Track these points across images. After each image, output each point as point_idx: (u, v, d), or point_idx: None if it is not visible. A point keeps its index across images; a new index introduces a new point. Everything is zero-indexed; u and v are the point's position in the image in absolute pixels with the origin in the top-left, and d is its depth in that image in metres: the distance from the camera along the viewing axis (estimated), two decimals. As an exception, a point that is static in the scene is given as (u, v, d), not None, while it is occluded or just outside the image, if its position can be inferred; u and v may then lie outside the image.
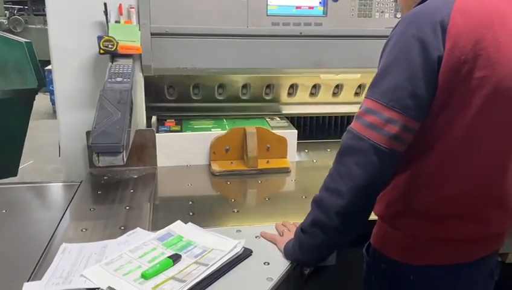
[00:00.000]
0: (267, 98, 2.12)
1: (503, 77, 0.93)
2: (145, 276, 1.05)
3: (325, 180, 1.04)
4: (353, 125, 0.99)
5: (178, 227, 1.28)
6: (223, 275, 1.09)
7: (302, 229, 1.11)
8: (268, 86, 2.09)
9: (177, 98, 2.04)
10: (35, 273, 1.09)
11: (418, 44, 0.91)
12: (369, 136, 0.94)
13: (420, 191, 1.04)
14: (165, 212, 1.42)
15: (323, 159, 1.93)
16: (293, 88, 2.12)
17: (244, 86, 2.07)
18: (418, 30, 0.92)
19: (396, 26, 0.98)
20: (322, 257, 1.17)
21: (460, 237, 1.06)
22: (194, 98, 2.05)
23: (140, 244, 1.19)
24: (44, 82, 2.35)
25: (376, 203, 1.06)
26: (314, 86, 2.12)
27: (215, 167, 1.74)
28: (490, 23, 0.93)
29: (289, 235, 1.19)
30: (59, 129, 1.77)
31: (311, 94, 2.14)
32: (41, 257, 1.16)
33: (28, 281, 1.06)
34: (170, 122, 1.93)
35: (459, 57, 0.90)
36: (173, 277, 1.05)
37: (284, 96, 2.13)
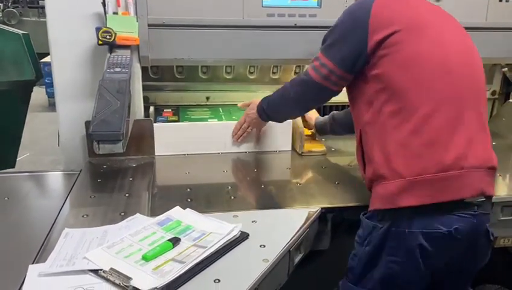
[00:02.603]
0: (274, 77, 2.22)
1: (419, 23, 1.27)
2: (146, 258, 1.09)
3: (275, 99, 1.61)
4: (310, 72, 1.41)
5: (177, 212, 1.32)
6: (221, 257, 1.14)
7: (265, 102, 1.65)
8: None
9: (160, 77, 2.09)
10: (39, 257, 1.13)
11: (352, 15, 1.32)
12: (311, 74, 1.40)
13: (391, 133, 1.23)
14: (163, 199, 1.46)
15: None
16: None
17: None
18: (356, 6, 1.33)
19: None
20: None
21: (438, 161, 1.17)
22: (178, 76, 2.08)
23: (141, 228, 1.23)
24: (42, 74, 2.38)
25: (366, 170, 1.32)
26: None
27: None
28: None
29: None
30: (58, 119, 1.79)
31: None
32: (44, 241, 1.20)
33: (32, 263, 1.09)
34: (167, 113, 1.96)
35: (379, 27, 1.25)
36: (173, 258, 1.09)
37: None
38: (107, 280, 1.03)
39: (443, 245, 1.19)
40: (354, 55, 1.29)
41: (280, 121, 1.73)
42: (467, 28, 1.36)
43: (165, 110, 1.98)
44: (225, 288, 1.04)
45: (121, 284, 1.01)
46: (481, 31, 1.91)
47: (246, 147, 1.88)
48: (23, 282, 1.02)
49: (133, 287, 1.00)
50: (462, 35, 1.33)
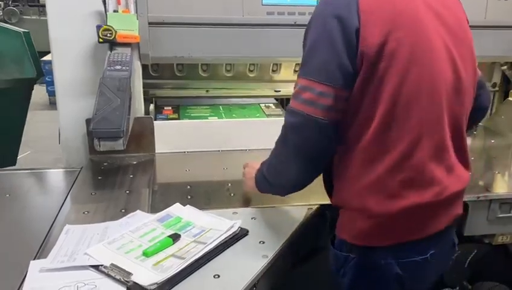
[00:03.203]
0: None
1: (415, 44, 1.03)
2: (146, 254, 1.10)
3: (272, 161, 1.19)
4: (291, 104, 1.07)
5: (177, 209, 1.33)
6: (221, 253, 1.15)
7: (263, 174, 1.24)
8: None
9: (161, 75, 2.09)
10: (41, 253, 1.14)
11: (336, 20, 1.01)
12: (307, 111, 1.03)
13: (366, 167, 1.07)
14: (163, 196, 1.47)
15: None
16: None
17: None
18: (334, 8, 1.03)
19: (316, 8, 1.09)
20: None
21: (416, 202, 1.07)
22: (178, 74, 2.09)
23: (141, 225, 1.24)
24: (42, 72, 2.39)
25: (334, 194, 1.17)
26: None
27: None
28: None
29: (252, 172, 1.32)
30: (59, 117, 1.80)
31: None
32: (45, 237, 1.21)
33: (33, 259, 1.11)
34: (168, 111, 1.97)
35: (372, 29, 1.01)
36: (173, 254, 1.10)
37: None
38: (108, 276, 1.04)
39: (420, 271, 1.14)
40: (350, 68, 1.02)
41: (284, 194, 1.28)
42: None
43: (165, 108, 1.99)
44: (225, 283, 1.05)
45: (122, 279, 1.02)
46: (480, 29, 1.92)
47: (246, 145, 1.89)
48: (24, 277, 1.03)
49: (134, 282, 1.01)
50: (451, 35, 1.10)
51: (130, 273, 1.03)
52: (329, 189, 1.21)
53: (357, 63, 1.01)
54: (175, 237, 1.16)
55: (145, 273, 1.03)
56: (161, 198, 1.45)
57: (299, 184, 1.18)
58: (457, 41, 1.11)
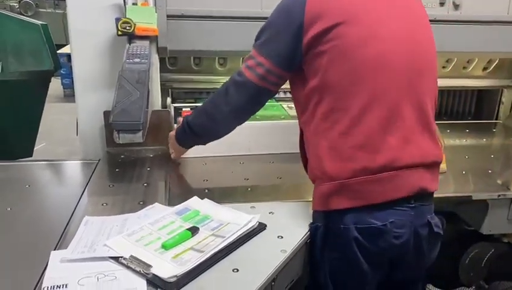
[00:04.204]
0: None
1: (366, 29, 1.17)
2: (165, 246, 1.10)
3: (205, 108, 1.41)
4: (241, 66, 1.30)
5: (195, 202, 1.33)
6: (239, 247, 1.15)
7: (189, 126, 1.45)
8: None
9: (178, 68, 2.07)
10: (61, 243, 1.15)
11: (286, 10, 1.23)
12: (246, 74, 1.27)
13: (325, 135, 1.20)
14: (181, 189, 1.48)
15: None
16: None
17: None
18: (290, 1, 1.23)
19: None
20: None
21: (367, 166, 1.16)
22: (195, 68, 2.08)
23: (160, 217, 1.24)
24: (59, 64, 2.41)
25: (308, 169, 1.31)
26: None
27: None
28: None
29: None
30: (77, 109, 1.81)
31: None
32: (65, 228, 1.22)
33: (54, 249, 1.11)
34: (186, 112, 1.92)
35: (314, 21, 1.17)
36: (192, 247, 1.11)
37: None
38: (128, 267, 1.04)
39: (380, 239, 1.18)
40: (290, 52, 1.21)
41: (204, 143, 1.51)
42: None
43: (183, 110, 1.95)
44: (244, 277, 1.05)
45: (141, 271, 1.02)
46: (503, 24, 1.89)
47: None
48: (45, 268, 1.04)
49: (153, 274, 1.01)
50: (408, 20, 1.23)
51: (149, 266, 1.03)
52: (305, 164, 1.35)
53: (301, 52, 1.20)
54: (194, 230, 1.17)
55: (165, 265, 1.04)
56: (178, 191, 1.45)
57: (223, 133, 1.44)
58: (415, 25, 1.25)
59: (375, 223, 1.16)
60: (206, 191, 1.45)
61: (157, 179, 1.53)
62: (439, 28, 1.90)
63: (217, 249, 1.10)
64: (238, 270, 1.06)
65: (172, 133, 1.57)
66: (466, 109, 2.43)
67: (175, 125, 1.70)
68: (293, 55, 1.21)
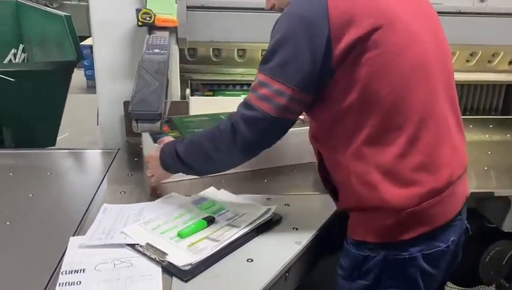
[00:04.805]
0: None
1: (395, 33, 1.00)
2: (181, 235, 1.11)
3: (203, 145, 1.14)
4: (248, 96, 1.07)
5: (211, 193, 1.34)
6: (254, 237, 1.15)
7: (179, 156, 1.19)
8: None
9: (197, 60, 2.07)
10: (79, 230, 1.17)
11: (304, 23, 1.00)
12: (261, 107, 1.04)
13: (374, 160, 1.03)
14: (198, 179, 1.48)
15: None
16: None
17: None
18: (302, 9, 1.02)
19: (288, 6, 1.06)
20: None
21: (433, 187, 1.03)
22: (214, 59, 2.07)
23: (176, 207, 1.25)
24: (82, 55, 2.45)
25: (341, 197, 1.13)
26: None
27: None
28: None
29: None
30: (98, 99, 1.84)
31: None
32: (84, 215, 1.24)
33: (73, 235, 1.14)
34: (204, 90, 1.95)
35: (344, 28, 0.98)
36: (207, 236, 1.11)
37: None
38: (144, 255, 1.06)
39: (442, 261, 1.10)
40: (318, 72, 1.00)
41: (200, 175, 1.31)
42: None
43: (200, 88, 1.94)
44: (257, 268, 1.05)
45: (157, 259, 1.04)
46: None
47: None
48: (64, 253, 1.07)
49: (169, 262, 1.02)
50: (428, 18, 1.11)
51: (165, 254, 1.05)
52: (334, 192, 1.16)
53: (331, 67, 1.00)
54: (209, 220, 1.17)
55: (180, 254, 1.05)
56: (195, 181, 1.46)
57: (224, 170, 1.28)
58: (433, 21, 1.13)
59: (440, 245, 1.07)
60: (223, 181, 1.45)
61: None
62: (464, 20, 1.86)
63: (231, 239, 1.11)
64: (252, 260, 1.07)
65: (154, 154, 1.28)
66: (493, 104, 2.36)
67: (155, 145, 1.40)
68: (322, 75, 1.01)
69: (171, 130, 1.58)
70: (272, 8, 1.22)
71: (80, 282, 0.97)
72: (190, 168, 1.21)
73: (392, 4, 1.03)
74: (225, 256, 1.07)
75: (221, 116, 1.72)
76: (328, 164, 1.14)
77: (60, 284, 0.96)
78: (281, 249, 1.11)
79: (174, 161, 1.20)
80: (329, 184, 1.18)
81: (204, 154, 1.14)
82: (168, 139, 1.34)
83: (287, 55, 1.01)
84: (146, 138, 1.54)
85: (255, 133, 1.06)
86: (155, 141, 1.42)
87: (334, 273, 1.18)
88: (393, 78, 1.00)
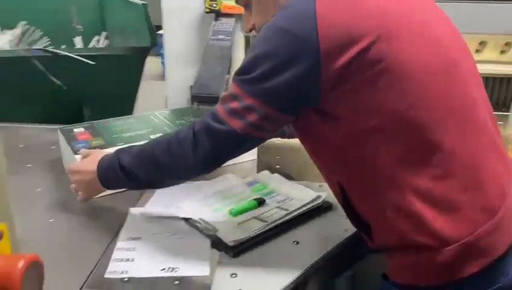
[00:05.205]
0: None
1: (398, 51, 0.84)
2: (232, 213, 1.16)
3: (155, 154, 1.01)
4: (217, 107, 0.95)
5: (265, 176, 1.37)
6: (303, 222, 1.16)
7: (123, 168, 1.04)
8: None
9: None
10: (139, 201, 1.26)
11: (287, 37, 0.86)
12: (229, 122, 0.91)
13: (409, 186, 0.86)
14: (253, 163, 1.52)
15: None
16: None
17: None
18: (287, 23, 0.87)
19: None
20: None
21: (490, 209, 0.87)
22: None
23: (230, 187, 1.30)
24: (156, 41, 2.58)
25: (375, 235, 0.94)
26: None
27: None
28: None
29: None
30: (166, 84, 1.94)
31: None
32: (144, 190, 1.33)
33: (133, 207, 1.22)
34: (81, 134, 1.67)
35: (337, 43, 0.83)
36: (257, 216, 1.15)
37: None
38: (196, 228, 1.12)
39: None
40: (303, 91, 0.87)
41: (144, 188, 1.23)
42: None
43: (75, 131, 1.45)
44: (303, 250, 1.07)
45: (208, 233, 1.09)
46: None
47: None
48: (123, 222, 1.15)
49: (218, 237, 1.07)
50: (442, 17, 0.97)
51: (216, 229, 1.10)
52: (366, 229, 0.96)
53: (324, 85, 0.85)
54: (260, 201, 1.21)
55: (229, 230, 1.09)
56: (250, 164, 1.50)
57: (177, 183, 1.13)
58: (442, 15, 0.98)
59: (501, 280, 0.88)
60: (277, 166, 1.48)
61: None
62: (472, 6, 1.70)
63: (280, 221, 1.13)
64: (298, 243, 1.09)
65: (77, 167, 1.17)
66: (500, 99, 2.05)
67: (77, 156, 1.26)
68: (310, 95, 0.87)
69: (93, 137, 1.39)
70: (251, 30, 1.08)
71: (135, 248, 1.05)
72: (137, 181, 1.05)
73: (393, 6, 0.88)
74: (272, 237, 1.10)
75: (151, 116, 1.61)
76: (353, 197, 0.95)
77: (117, 248, 1.05)
78: (329, 235, 1.12)
79: (117, 173, 1.04)
80: (358, 220, 0.97)
81: (156, 165, 1.01)
82: (92, 151, 1.22)
83: (265, 71, 0.87)
84: (65, 148, 1.39)
85: (218, 147, 0.95)
86: (75, 152, 1.28)
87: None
88: (410, 89, 0.84)
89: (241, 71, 0.91)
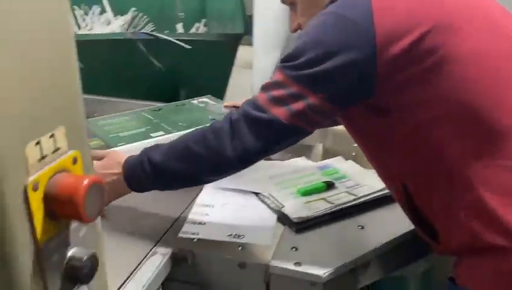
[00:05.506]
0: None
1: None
2: (300, 192, 1.20)
3: (206, 137, 0.91)
4: (258, 95, 0.89)
5: (338, 161, 1.38)
6: (370, 209, 1.17)
7: (156, 166, 0.94)
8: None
9: None
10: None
11: (341, 22, 0.83)
12: (272, 110, 0.85)
13: (482, 179, 0.81)
14: (329, 152, 1.53)
15: None
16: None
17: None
18: (341, 8, 0.84)
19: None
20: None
21: None
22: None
23: (301, 168, 1.34)
24: (249, 29, 2.68)
25: (447, 240, 0.89)
26: None
27: None
28: None
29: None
30: (253, 69, 2.02)
31: None
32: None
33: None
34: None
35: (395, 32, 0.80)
36: (324, 198, 1.18)
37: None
38: (264, 203, 1.18)
39: None
40: (354, 81, 0.83)
41: (172, 189, 1.05)
42: None
43: None
44: (367, 235, 1.07)
45: (275, 208, 1.15)
46: None
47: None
48: (199, 192, 1.24)
49: (283, 213, 1.12)
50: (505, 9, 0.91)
51: (282, 205, 1.15)
52: (431, 232, 0.92)
53: (376, 76, 0.81)
54: (329, 184, 1.23)
55: (295, 208, 1.13)
56: (326, 151, 1.52)
57: (212, 181, 1.05)
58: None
59: None
60: (353, 154, 1.48)
61: (310, 138, 1.61)
62: None
63: (347, 205, 1.15)
64: (363, 227, 1.10)
65: (101, 168, 1.01)
66: None
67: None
68: (361, 84, 0.83)
69: (89, 138, 1.22)
70: (296, 30, 1.05)
71: (207, 214, 1.14)
72: (169, 178, 0.97)
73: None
74: (337, 220, 1.12)
75: (143, 113, 1.48)
76: (417, 197, 0.91)
77: (192, 212, 1.15)
78: (396, 224, 1.10)
79: (147, 173, 0.94)
80: (423, 222, 0.94)
81: (191, 159, 0.92)
82: (106, 152, 1.10)
83: (315, 57, 0.83)
84: None
85: (258, 138, 0.87)
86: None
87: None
88: (473, 79, 0.81)
89: (288, 58, 0.87)
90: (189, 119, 1.40)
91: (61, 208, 0.40)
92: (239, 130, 0.87)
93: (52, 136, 0.41)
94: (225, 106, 1.50)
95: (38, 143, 0.39)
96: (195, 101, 1.61)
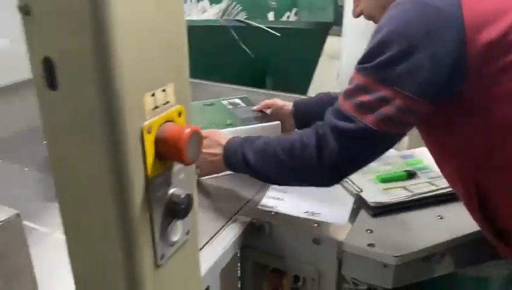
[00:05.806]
0: None
1: None
2: (379, 178, 1.21)
3: (294, 148, 0.90)
4: (341, 103, 0.83)
5: (421, 152, 1.36)
6: (451, 201, 1.14)
7: (247, 163, 0.98)
8: None
9: None
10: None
11: (426, 11, 0.76)
12: (360, 117, 0.80)
13: None
14: (412, 140, 1.51)
15: None
16: None
17: None
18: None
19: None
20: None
21: None
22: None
23: (384, 156, 1.33)
24: (338, 19, 2.68)
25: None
26: None
27: None
28: None
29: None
30: (341, 58, 2.03)
31: None
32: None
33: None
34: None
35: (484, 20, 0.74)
36: (404, 186, 1.17)
37: None
38: (343, 186, 1.20)
39: None
40: (443, 73, 0.77)
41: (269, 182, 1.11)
42: None
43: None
44: (447, 225, 1.06)
45: (353, 191, 1.17)
46: None
47: None
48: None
49: (361, 196, 1.14)
50: None
51: (361, 189, 1.16)
52: (502, 235, 0.91)
53: (468, 66, 0.76)
54: (411, 174, 1.22)
55: (373, 193, 1.15)
56: (411, 142, 1.50)
57: (306, 185, 1.03)
58: None
59: None
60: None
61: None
62: None
63: (427, 195, 1.14)
64: (442, 217, 1.08)
65: (205, 146, 1.07)
66: None
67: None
68: (452, 74, 0.77)
69: None
70: (359, 15, 1.02)
71: (286, 191, 1.19)
72: (259, 177, 1.03)
73: None
74: (415, 208, 1.12)
75: (222, 102, 1.52)
76: (492, 198, 0.88)
77: (272, 188, 1.20)
78: (469, 222, 1.08)
79: (239, 163, 1.00)
80: (494, 225, 0.91)
81: (279, 169, 0.95)
82: (209, 131, 1.14)
83: (399, 52, 0.76)
84: None
85: (349, 150, 0.83)
86: None
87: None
88: None
89: (368, 57, 0.81)
90: (204, 121, 1.33)
91: (167, 151, 0.47)
92: (326, 145, 0.84)
93: (164, 90, 0.49)
94: (254, 110, 1.44)
95: (153, 95, 0.47)
96: (225, 102, 1.54)
